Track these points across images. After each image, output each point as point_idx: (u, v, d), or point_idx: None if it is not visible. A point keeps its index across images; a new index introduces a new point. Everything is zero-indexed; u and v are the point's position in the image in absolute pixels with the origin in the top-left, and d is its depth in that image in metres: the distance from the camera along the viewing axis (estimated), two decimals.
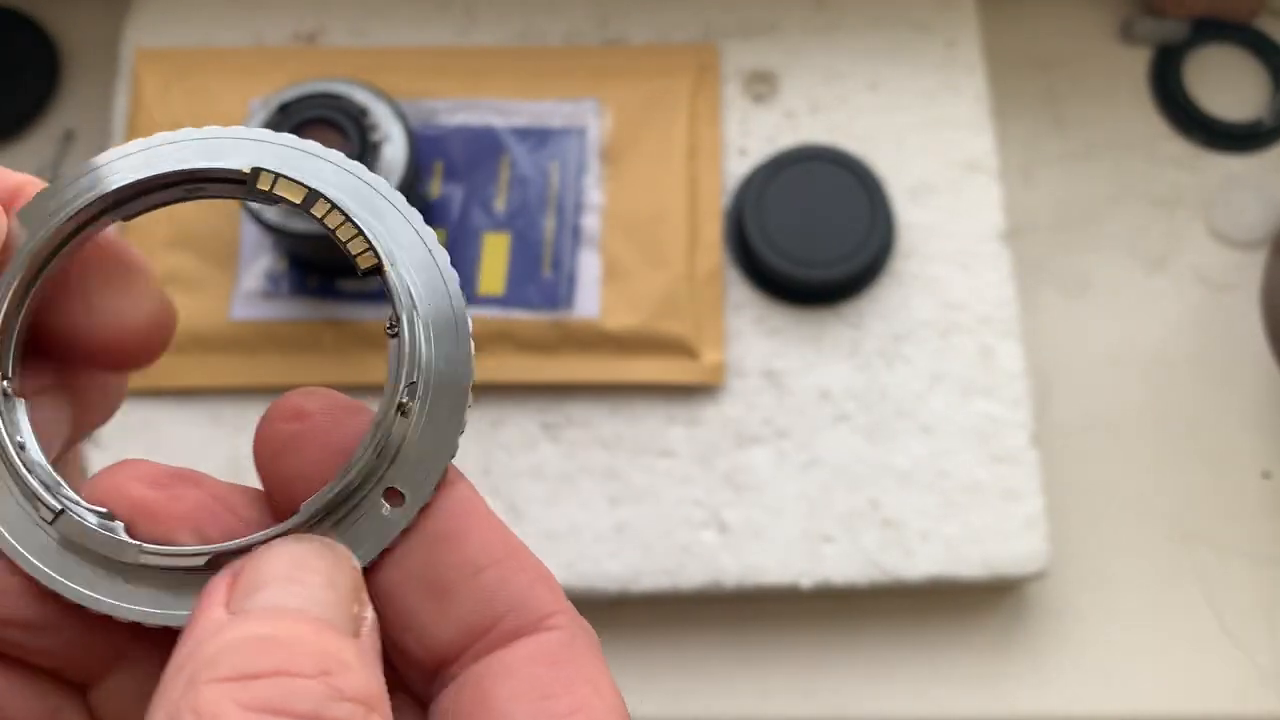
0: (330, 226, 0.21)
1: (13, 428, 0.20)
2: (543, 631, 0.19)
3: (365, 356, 0.52)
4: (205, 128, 0.21)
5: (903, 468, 0.51)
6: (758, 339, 0.53)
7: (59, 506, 0.20)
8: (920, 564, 0.49)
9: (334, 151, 0.21)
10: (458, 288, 0.22)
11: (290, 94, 0.49)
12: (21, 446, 0.20)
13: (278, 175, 0.21)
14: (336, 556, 0.19)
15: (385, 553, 0.20)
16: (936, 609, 0.52)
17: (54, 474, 0.20)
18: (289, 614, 0.18)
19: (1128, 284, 0.57)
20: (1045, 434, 0.53)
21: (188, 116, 0.55)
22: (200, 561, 0.19)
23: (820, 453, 0.51)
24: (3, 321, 0.20)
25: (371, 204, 0.21)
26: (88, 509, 0.20)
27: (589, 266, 0.53)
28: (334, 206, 0.21)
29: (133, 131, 0.55)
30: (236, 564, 0.19)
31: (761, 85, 0.57)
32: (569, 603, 0.20)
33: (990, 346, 0.52)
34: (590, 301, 0.52)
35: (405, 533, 0.20)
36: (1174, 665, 0.51)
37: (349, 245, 0.21)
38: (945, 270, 0.54)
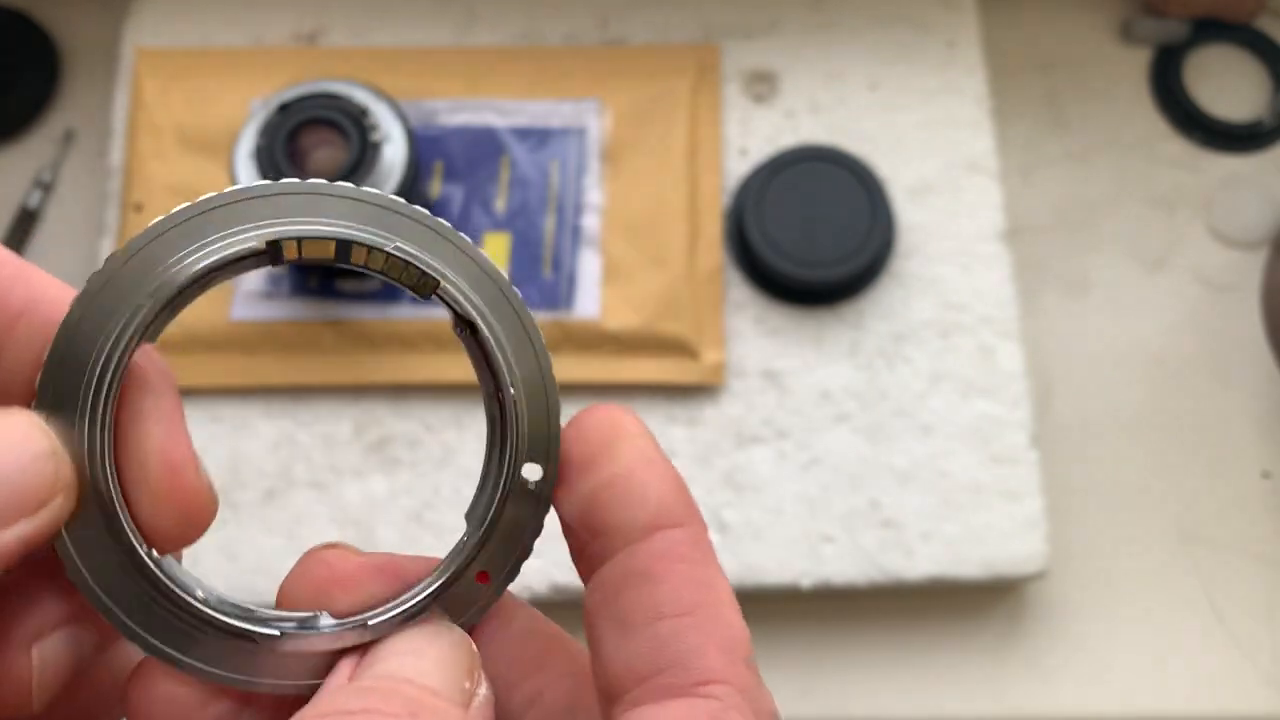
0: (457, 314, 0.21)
1: (183, 584, 0.20)
2: (695, 697, 0.19)
3: (365, 356, 0.52)
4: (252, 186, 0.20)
5: (903, 468, 0.51)
6: (758, 339, 0.53)
7: (278, 632, 0.20)
8: (920, 564, 0.49)
9: (417, 209, 0.21)
10: (541, 342, 0.23)
11: (290, 94, 0.49)
12: (204, 601, 0.20)
13: (408, 262, 0.20)
14: (454, 638, 0.20)
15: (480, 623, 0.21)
16: (936, 609, 0.52)
17: (240, 604, 0.21)
18: (398, 679, 0.19)
19: (1128, 284, 0.57)
20: (1045, 434, 0.53)
21: (188, 116, 0.55)
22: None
23: (820, 453, 0.51)
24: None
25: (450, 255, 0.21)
26: (297, 623, 0.21)
27: (589, 266, 0.53)
28: (481, 328, 0.22)
29: (133, 131, 0.55)
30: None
31: (761, 85, 0.57)
32: (746, 671, 0.19)
33: (990, 346, 0.52)
34: (590, 301, 0.52)
35: (493, 604, 0.21)
36: (1174, 665, 0.51)
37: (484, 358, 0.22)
38: (945, 270, 0.54)
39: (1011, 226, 0.55)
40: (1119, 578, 0.53)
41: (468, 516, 0.22)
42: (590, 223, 0.53)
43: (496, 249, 0.53)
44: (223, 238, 0.20)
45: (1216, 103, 0.60)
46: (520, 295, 0.22)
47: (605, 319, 0.52)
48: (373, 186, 0.48)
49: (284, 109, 0.48)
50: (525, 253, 0.53)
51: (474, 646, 0.21)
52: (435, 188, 0.54)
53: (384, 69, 0.55)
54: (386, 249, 0.20)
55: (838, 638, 0.52)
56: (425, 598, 0.21)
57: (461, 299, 0.21)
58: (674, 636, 0.19)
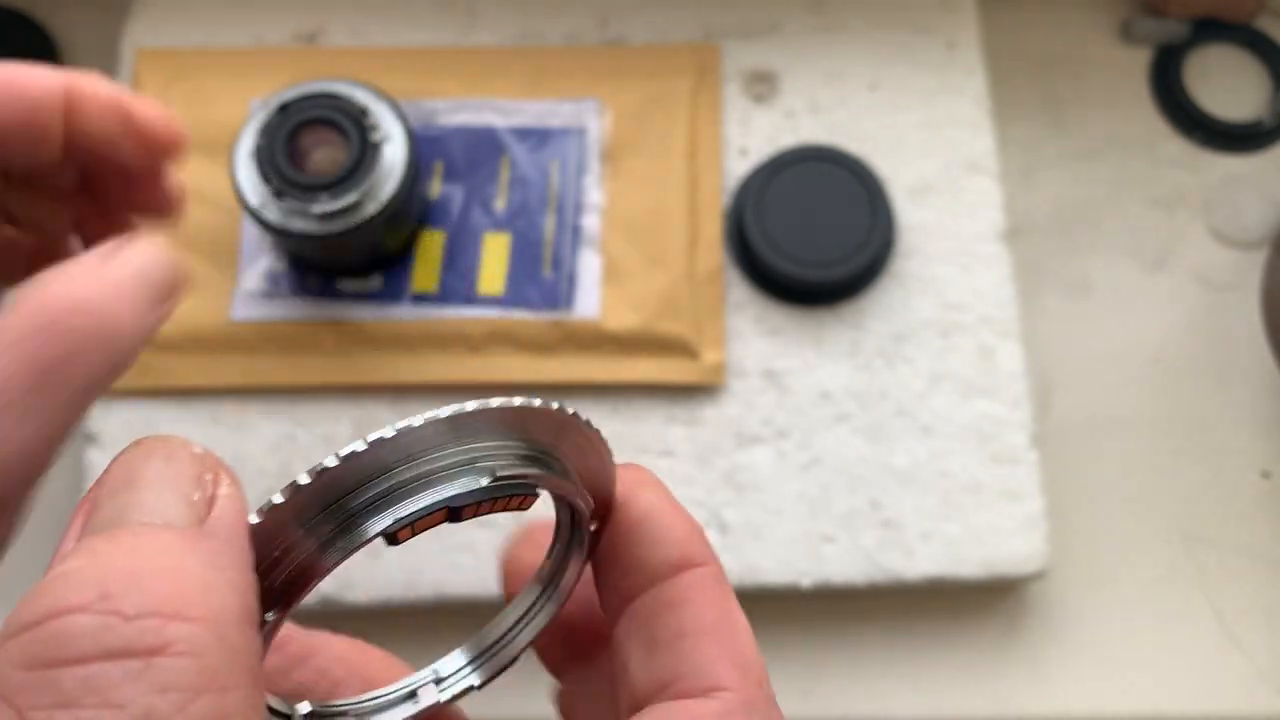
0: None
1: None
2: (702, 698, 0.20)
3: (365, 356, 0.52)
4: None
5: (903, 468, 0.51)
6: (758, 339, 0.53)
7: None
8: (920, 564, 0.49)
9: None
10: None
11: (290, 94, 0.49)
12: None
13: None
14: (168, 446, 0.18)
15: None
16: (936, 609, 0.52)
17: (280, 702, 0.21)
18: (97, 537, 0.16)
19: (1128, 284, 0.57)
20: (1045, 434, 0.53)
21: (188, 116, 0.55)
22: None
23: (820, 453, 0.51)
24: None
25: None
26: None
27: (589, 266, 0.53)
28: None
29: None
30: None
31: (761, 85, 0.57)
32: (757, 690, 0.21)
33: (990, 346, 0.52)
34: (590, 301, 0.52)
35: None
36: (1174, 665, 0.51)
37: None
38: (945, 270, 0.54)
39: (1011, 226, 0.55)
40: (1119, 578, 0.53)
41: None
42: (590, 223, 0.53)
43: (496, 249, 0.53)
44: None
45: (1216, 103, 0.60)
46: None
47: (605, 319, 0.52)
48: (374, 187, 0.46)
49: (284, 109, 0.48)
50: (525, 253, 0.53)
51: (197, 447, 0.18)
52: (435, 188, 0.54)
53: (384, 69, 0.55)
54: (485, 497, 0.20)
55: (838, 638, 0.52)
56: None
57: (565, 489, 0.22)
58: (693, 649, 0.21)
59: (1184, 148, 0.60)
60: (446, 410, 0.19)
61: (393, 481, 0.19)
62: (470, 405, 0.19)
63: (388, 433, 0.18)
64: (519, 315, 0.52)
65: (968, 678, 0.51)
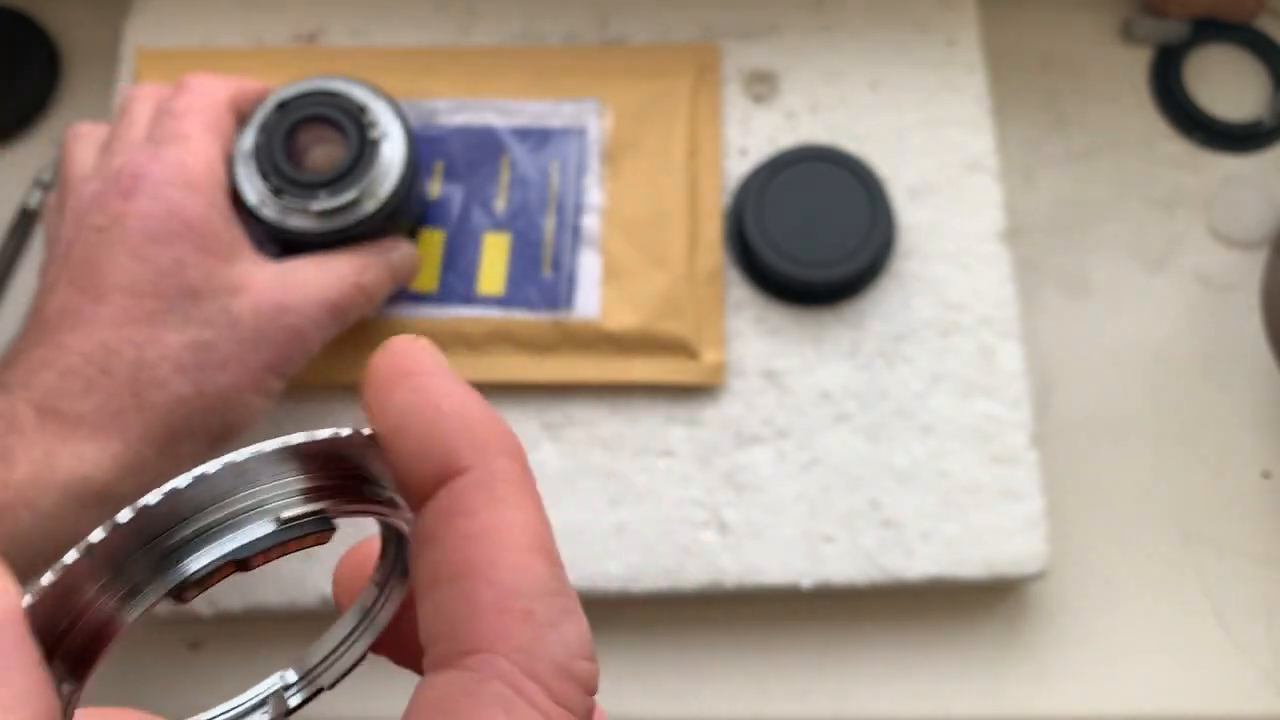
0: None
1: None
2: (455, 669, 0.18)
3: (365, 356, 0.52)
4: None
5: (903, 468, 0.51)
6: (758, 339, 0.53)
7: None
8: (920, 564, 0.49)
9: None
10: None
11: (289, 91, 0.48)
12: None
13: None
14: None
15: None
16: (936, 609, 0.52)
17: None
18: None
19: (1128, 284, 0.57)
20: (1045, 434, 0.53)
21: None
22: None
23: (820, 453, 0.51)
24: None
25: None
26: None
27: (589, 267, 0.53)
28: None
29: None
30: None
31: (761, 85, 0.57)
32: (519, 626, 0.18)
33: (990, 346, 0.52)
34: (590, 302, 0.52)
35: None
36: (1174, 665, 0.51)
37: None
38: (945, 270, 0.54)
39: (1011, 226, 0.55)
40: (1119, 578, 0.53)
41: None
42: (590, 223, 0.53)
43: (496, 249, 0.53)
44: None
45: (1216, 103, 0.60)
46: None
47: (605, 319, 0.52)
48: (372, 184, 0.47)
49: (282, 106, 0.48)
50: (525, 253, 0.53)
51: None
52: (435, 188, 0.54)
53: (384, 69, 0.55)
54: (273, 543, 0.19)
55: (838, 638, 0.52)
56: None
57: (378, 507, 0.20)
58: (446, 603, 0.18)
59: (1184, 148, 0.60)
60: (222, 459, 0.18)
61: (175, 538, 0.18)
62: (243, 452, 0.18)
63: (181, 482, 0.18)
64: (519, 315, 0.52)
65: (968, 678, 0.51)
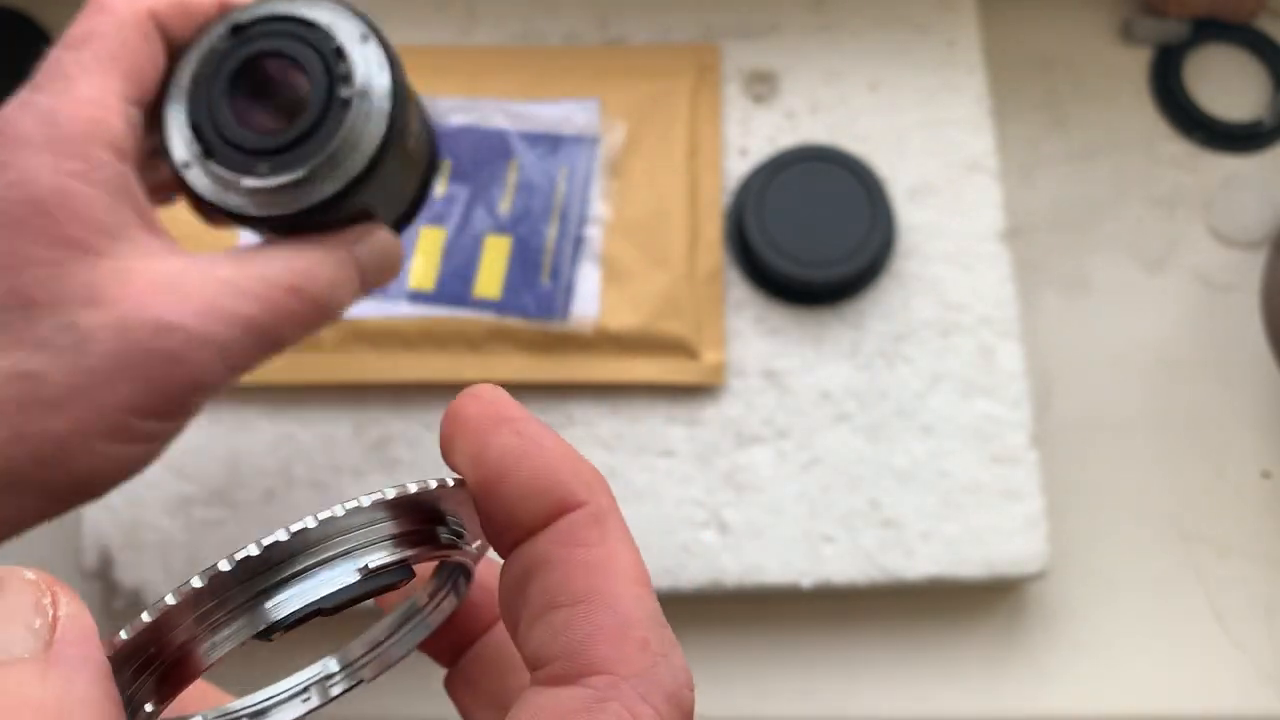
0: None
1: None
2: (575, 687, 0.19)
3: (365, 354, 0.52)
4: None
5: (903, 468, 0.51)
6: (758, 339, 0.53)
7: None
8: (920, 564, 0.49)
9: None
10: None
11: (249, 12, 0.35)
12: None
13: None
14: (4, 582, 0.18)
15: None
16: (936, 609, 0.52)
17: None
18: None
19: (1128, 284, 0.57)
20: (1045, 434, 0.53)
21: None
22: None
23: (820, 453, 0.51)
24: None
25: None
26: None
27: (588, 278, 0.52)
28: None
29: None
30: None
31: (761, 85, 0.57)
32: (638, 654, 0.19)
33: (990, 346, 0.52)
34: (586, 313, 0.52)
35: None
36: (1174, 665, 0.51)
37: None
38: (945, 270, 0.54)
39: (1011, 226, 0.55)
40: (1119, 578, 0.53)
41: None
42: (593, 234, 0.53)
43: (497, 251, 0.53)
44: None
45: (1216, 103, 0.60)
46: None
47: (605, 319, 0.52)
48: (334, 159, 0.35)
49: (237, 30, 0.35)
50: (525, 259, 0.53)
51: (29, 573, 0.18)
52: (441, 186, 0.54)
53: None
54: (357, 594, 0.20)
55: (838, 638, 0.52)
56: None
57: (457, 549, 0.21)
58: (565, 626, 0.19)
59: (1184, 148, 0.60)
60: (323, 515, 0.19)
61: (267, 583, 0.19)
62: (342, 507, 0.19)
63: (281, 535, 0.19)
64: (513, 322, 0.52)
65: (968, 678, 0.51)
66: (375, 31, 0.35)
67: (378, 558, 0.20)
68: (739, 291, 0.54)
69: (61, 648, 0.17)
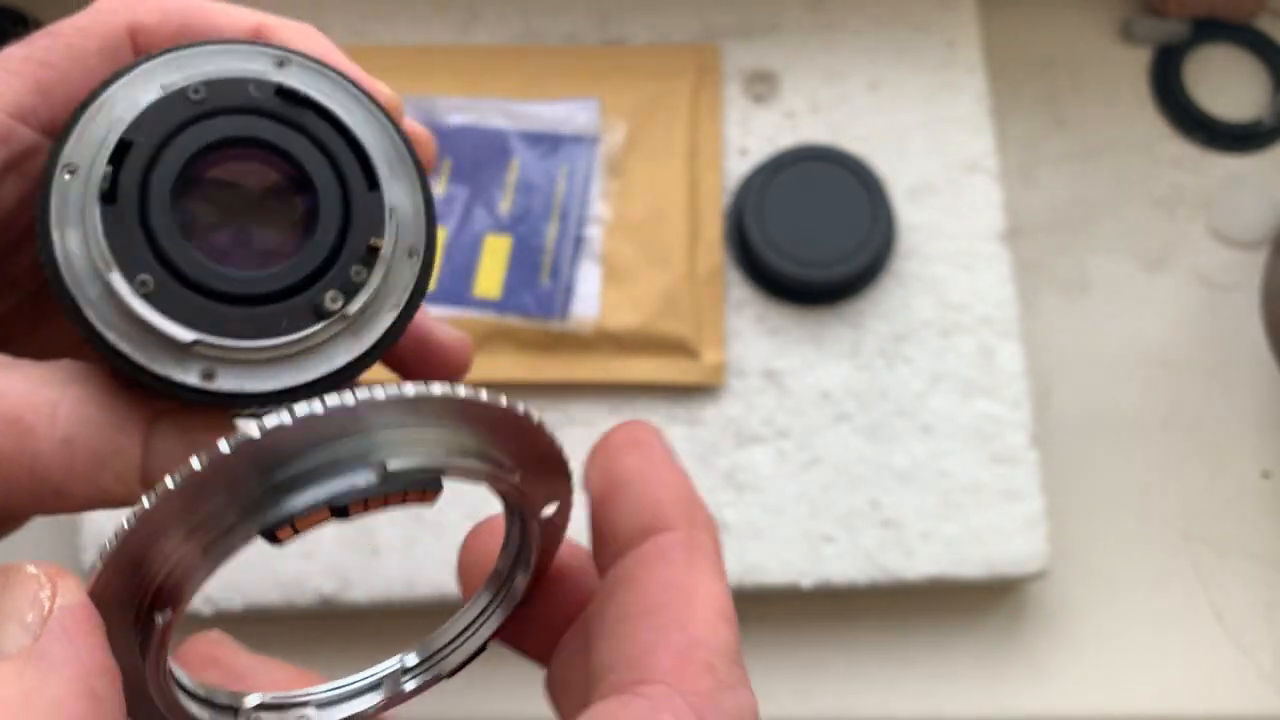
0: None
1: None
2: (630, 695, 0.18)
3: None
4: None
5: (903, 468, 0.51)
6: (758, 339, 0.53)
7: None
8: (920, 564, 0.49)
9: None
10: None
11: (188, 73, 0.22)
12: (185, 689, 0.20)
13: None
14: (4, 574, 0.18)
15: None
16: (936, 609, 0.52)
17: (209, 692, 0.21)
18: None
19: (1128, 284, 0.57)
20: (1045, 434, 0.53)
21: None
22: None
23: (820, 453, 0.51)
24: None
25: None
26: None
27: (588, 278, 0.52)
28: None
29: None
30: None
31: (761, 85, 0.57)
32: (701, 674, 0.19)
33: (990, 346, 0.52)
34: (586, 312, 0.52)
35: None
36: (1174, 665, 0.51)
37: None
38: (945, 270, 0.54)
39: (1011, 226, 0.55)
40: (1119, 578, 0.53)
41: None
42: (593, 234, 0.53)
43: (497, 251, 0.53)
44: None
45: (1216, 103, 0.60)
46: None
47: (605, 319, 0.52)
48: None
49: (181, 100, 0.22)
50: (524, 258, 0.52)
51: (31, 567, 0.17)
52: (440, 186, 0.54)
53: (384, 68, 0.54)
54: (373, 494, 0.18)
55: (838, 638, 0.52)
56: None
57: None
58: (631, 636, 0.19)
59: (1184, 148, 0.60)
60: (331, 398, 0.17)
61: (276, 479, 0.17)
62: (354, 394, 0.17)
63: (285, 419, 0.17)
64: (513, 321, 0.51)
65: (968, 678, 0.51)
66: (384, 114, 0.24)
67: (400, 461, 0.18)
68: (739, 291, 0.54)
69: (46, 644, 0.17)
